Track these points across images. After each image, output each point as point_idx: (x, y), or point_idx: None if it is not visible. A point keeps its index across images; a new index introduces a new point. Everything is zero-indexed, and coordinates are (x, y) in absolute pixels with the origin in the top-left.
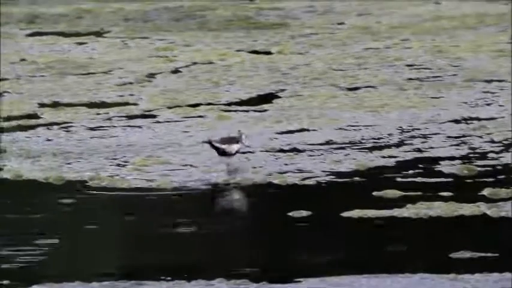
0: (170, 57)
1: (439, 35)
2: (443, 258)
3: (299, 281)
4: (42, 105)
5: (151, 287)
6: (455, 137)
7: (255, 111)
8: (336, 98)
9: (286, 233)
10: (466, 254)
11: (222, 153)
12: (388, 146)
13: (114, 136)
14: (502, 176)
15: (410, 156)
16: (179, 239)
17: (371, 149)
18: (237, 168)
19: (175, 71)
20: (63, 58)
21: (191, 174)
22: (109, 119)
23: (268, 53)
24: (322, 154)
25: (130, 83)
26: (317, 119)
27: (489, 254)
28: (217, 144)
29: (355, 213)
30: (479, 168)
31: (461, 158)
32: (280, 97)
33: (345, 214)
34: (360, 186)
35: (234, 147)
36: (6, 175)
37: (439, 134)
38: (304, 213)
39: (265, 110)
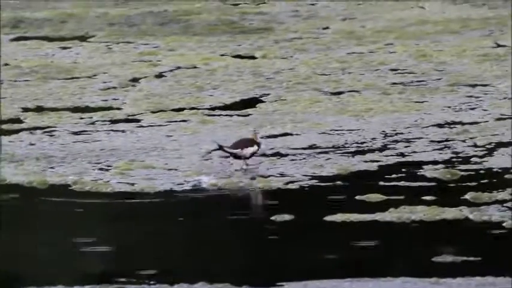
0: (154, 62)
1: (423, 40)
2: (425, 262)
3: (281, 285)
4: (25, 109)
5: None
6: (439, 141)
7: (238, 115)
8: (319, 102)
9: (269, 237)
10: (449, 258)
11: (236, 157)
12: (372, 150)
13: (98, 140)
14: (485, 180)
15: (393, 160)
16: (161, 243)
17: (354, 154)
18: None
19: (159, 76)
20: (47, 62)
21: (175, 178)
22: (92, 123)
23: (252, 57)
24: (305, 158)
25: (114, 88)
26: (300, 124)
27: (471, 258)
28: (229, 150)
29: (338, 217)
30: (462, 173)
31: (444, 162)
32: (264, 101)
33: (328, 218)
34: (343, 191)
35: (249, 150)
36: None
37: (422, 138)
38: (287, 217)
39: (248, 115)
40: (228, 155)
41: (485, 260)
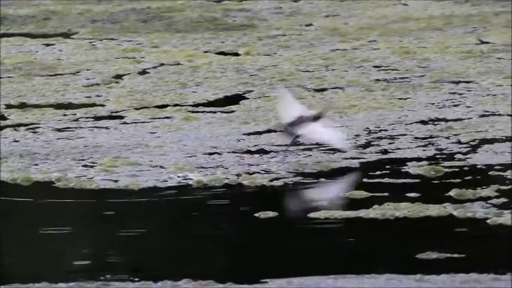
0: (137, 59)
1: (406, 36)
2: (409, 259)
3: (265, 282)
4: (9, 106)
5: None
6: (422, 138)
7: (222, 112)
8: (302, 99)
9: (253, 234)
10: (433, 255)
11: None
12: (355, 147)
13: (81, 137)
14: (469, 177)
15: (377, 157)
16: (145, 240)
17: (337, 150)
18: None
19: (143, 72)
20: (30, 59)
21: (159, 175)
22: (76, 120)
23: (236, 54)
24: (288, 155)
25: (98, 84)
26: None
27: (455, 255)
28: (293, 129)
29: (322, 214)
30: (446, 169)
31: (428, 159)
32: (247, 98)
33: (312, 215)
34: (327, 187)
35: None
36: None
37: (406, 135)
38: (271, 213)
39: (232, 111)
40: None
41: (469, 257)
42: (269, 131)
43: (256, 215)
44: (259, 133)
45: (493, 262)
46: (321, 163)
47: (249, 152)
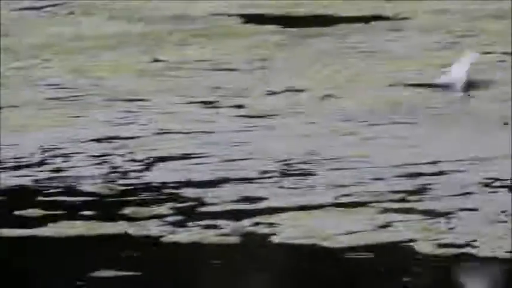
0: None
1: (80, 55)
2: (80, 277)
3: None
4: None
5: None
6: (97, 156)
7: None
8: None
9: None
10: (109, 273)
11: None
12: (29, 165)
13: None
14: (144, 195)
15: (51, 175)
16: None
17: (12, 169)
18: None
19: None
20: None
21: None
22: None
23: None
24: None
25: None
26: None
27: (131, 273)
28: None
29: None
30: (121, 187)
31: (103, 177)
32: None
33: None
34: (1, 205)
35: None
36: None
37: (80, 153)
38: None
39: None
40: None
41: (144, 275)
42: None
43: None
44: None
45: (166, 279)
46: None
47: None
